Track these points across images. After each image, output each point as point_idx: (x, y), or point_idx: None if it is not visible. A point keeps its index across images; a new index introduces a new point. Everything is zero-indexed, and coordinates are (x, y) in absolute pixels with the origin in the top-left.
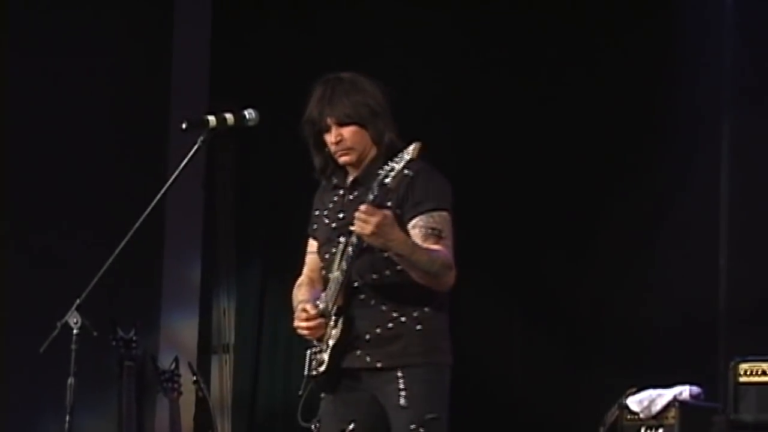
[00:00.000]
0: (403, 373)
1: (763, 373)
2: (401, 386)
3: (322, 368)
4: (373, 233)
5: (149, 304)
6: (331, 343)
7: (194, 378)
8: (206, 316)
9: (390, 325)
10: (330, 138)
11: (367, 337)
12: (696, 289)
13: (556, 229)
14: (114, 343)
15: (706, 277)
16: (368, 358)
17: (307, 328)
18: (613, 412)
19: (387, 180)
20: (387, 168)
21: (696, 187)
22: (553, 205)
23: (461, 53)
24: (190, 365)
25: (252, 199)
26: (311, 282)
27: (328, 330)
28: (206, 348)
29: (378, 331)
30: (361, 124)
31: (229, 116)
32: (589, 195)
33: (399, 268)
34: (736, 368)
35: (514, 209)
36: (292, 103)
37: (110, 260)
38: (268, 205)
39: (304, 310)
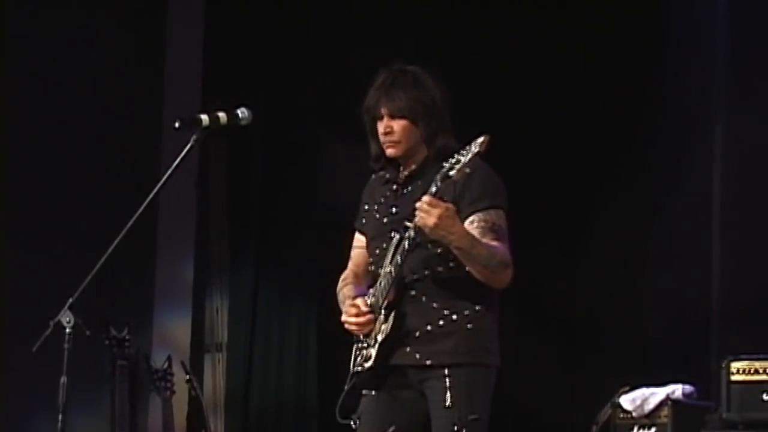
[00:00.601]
0: (450, 371)
1: (756, 371)
2: (447, 384)
3: (369, 363)
4: (435, 225)
5: (142, 303)
6: (380, 338)
7: (187, 377)
8: (199, 315)
9: (441, 322)
10: (381, 128)
11: (417, 334)
12: (689, 288)
13: (547, 229)
14: (107, 342)
15: (699, 276)
16: (417, 355)
17: (357, 324)
18: (606, 411)
19: (452, 172)
20: (452, 160)
21: (688, 187)
22: (544, 205)
23: (455, 55)
24: (183, 364)
25: (245, 198)
26: (356, 278)
27: (377, 325)
28: (199, 347)
29: (428, 328)
30: (413, 120)
31: (222, 115)
32: (581, 195)
33: (452, 265)
34: (728, 367)
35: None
36: (285, 102)
37: (103, 259)
38: (260, 204)
39: (355, 305)
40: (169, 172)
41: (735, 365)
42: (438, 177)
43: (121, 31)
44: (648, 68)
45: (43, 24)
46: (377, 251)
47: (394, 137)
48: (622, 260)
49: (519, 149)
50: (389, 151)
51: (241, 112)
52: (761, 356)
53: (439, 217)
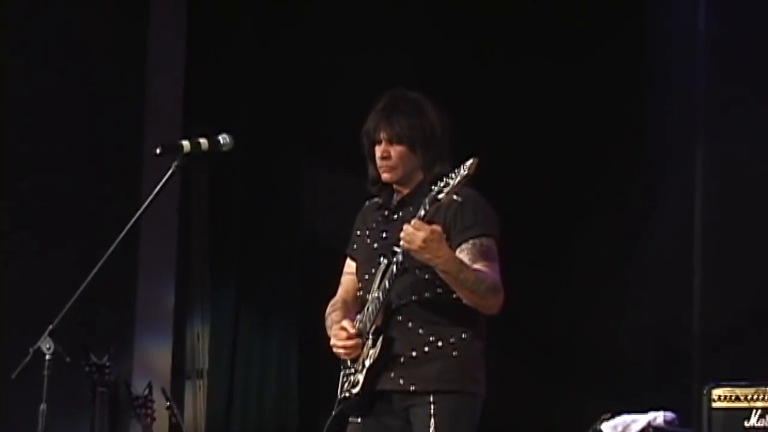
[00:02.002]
0: (435, 398)
1: (737, 398)
2: (432, 412)
3: (357, 389)
4: (420, 248)
5: (123, 328)
6: (367, 363)
7: (168, 404)
8: (180, 341)
9: (426, 348)
10: (378, 152)
11: (402, 359)
12: (670, 313)
13: (527, 253)
14: (87, 368)
15: (680, 300)
16: (402, 381)
17: (345, 347)
18: None
19: (440, 195)
20: (441, 183)
21: (669, 211)
22: (524, 229)
23: (439, 67)
24: (163, 390)
25: (226, 224)
26: (345, 304)
27: (365, 350)
28: (180, 373)
29: (413, 353)
30: (411, 147)
31: (203, 141)
32: (560, 218)
33: (439, 291)
34: (710, 394)
35: None
36: (267, 127)
37: (84, 285)
38: (242, 229)
39: (343, 328)
40: (150, 197)
41: (716, 392)
42: (427, 200)
43: (100, 56)
44: (628, 92)
45: (21, 46)
46: (366, 276)
47: (391, 162)
48: (603, 285)
49: (498, 173)
50: (384, 176)
51: (222, 138)
52: (743, 383)
53: (424, 240)
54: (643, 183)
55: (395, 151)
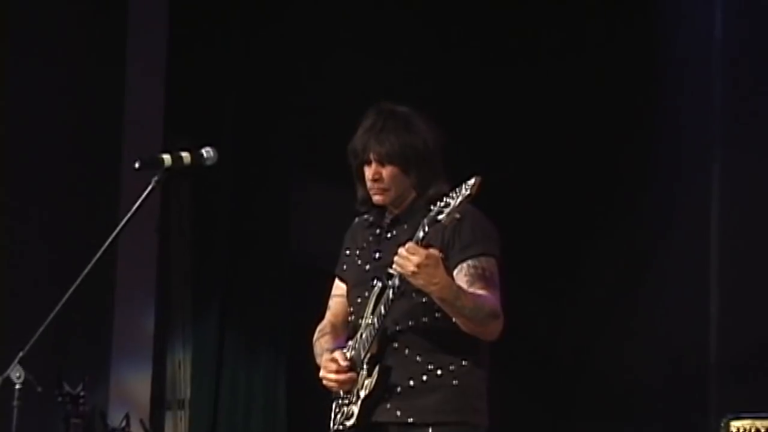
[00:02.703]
0: (434, 430)
1: (758, 431)
2: None
3: (351, 422)
4: (414, 273)
5: (98, 355)
6: (362, 395)
7: None
8: (160, 369)
9: (424, 377)
10: (368, 173)
11: (399, 389)
12: (684, 338)
13: (531, 274)
14: (60, 398)
15: (696, 326)
16: (399, 413)
17: (336, 381)
18: None
19: (441, 216)
20: (441, 204)
21: (683, 228)
22: (529, 250)
23: (433, 74)
24: (142, 422)
25: (210, 244)
26: (335, 328)
27: (360, 380)
28: (160, 403)
29: (411, 383)
30: (403, 167)
31: (185, 155)
32: (568, 239)
33: (437, 315)
34: (727, 426)
35: None
36: (253, 140)
37: (57, 309)
38: (227, 249)
39: (334, 359)
40: (128, 215)
41: (736, 424)
42: (425, 221)
43: (75, 64)
44: (639, 102)
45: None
46: (358, 300)
47: (383, 185)
48: (612, 308)
49: (499, 188)
50: (376, 198)
51: (206, 152)
52: (763, 414)
53: (419, 265)
54: (656, 199)
55: (387, 172)
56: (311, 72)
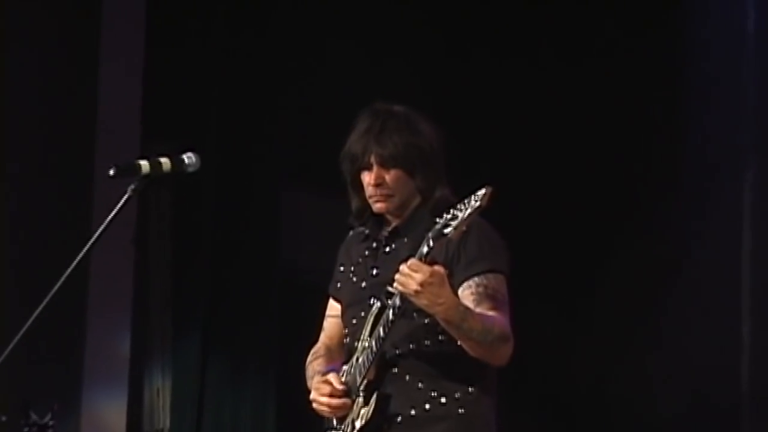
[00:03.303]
0: None
1: None
2: None
3: None
4: (417, 292)
5: (69, 381)
6: (358, 425)
7: None
8: (136, 396)
9: (427, 406)
10: (369, 179)
11: (399, 419)
12: (713, 366)
13: (544, 293)
14: (26, 428)
15: (726, 351)
16: None
17: (329, 406)
18: None
19: (447, 230)
20: (448, 216)
21: (714, 243)
22: (541, 267)
23: (437, 76)
24: None
25: (191, 258)
26: (329, 352)
27: (355, 409)
28: None
29: (412, 412)
30: (407, 170)
31: (165, 161)
32: (584, 254)
33: (441, 338)
34: None
35: None
36: (239, 146)
37: (23, 330)
38: (210, 265)
39: (327, 381)
40: (102, 227)
41: None
42: (430, 235)
43: (44, 62)
44: (667, 109)
45: None
46: (354, 321)
47: (387, 190)
48: (634, 331)
49: (509, 198)
50: (378, 206)
51: (188, 158)
52: None
53: (422, 284)
54: (682, 210)
55: (390, 176)
56: (302, 70)
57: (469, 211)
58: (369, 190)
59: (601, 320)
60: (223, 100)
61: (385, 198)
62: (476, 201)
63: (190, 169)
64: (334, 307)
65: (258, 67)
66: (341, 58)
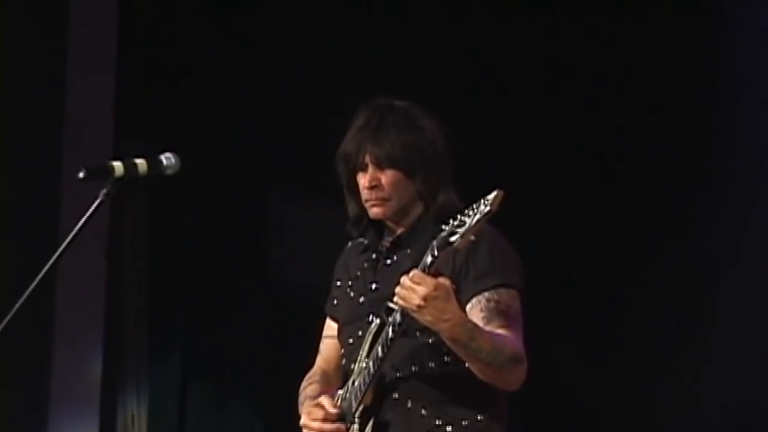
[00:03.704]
0: None
1: None
2: None
3: None
4: (420, 307)
5: (34, 408)
6: None
7: None
8: (109, 424)
9: None
10: (363, 181)
11: None
12: (757, 395)
13: (563, 308)
14: None
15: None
16: None
17: (322, 431)
18: None
19: (453, 238)
20: (454, 223)
21: (753, 259)
22: (562, 283)
23: (444, 68)
24: None
25: (170, 270)
26: (326, 377)
27: None
28: None
29: None
30: (407, 171)
31: (141, 162)
32: (612, 269)
33: (447, 359)
34: None
35: None
36: (220, 144)
37: None
38: (190, 277)
39: (320, 405)
40: (70, 236)
41: None
42: (435, 244)
43: (6, 52)
44: (712, 108)
45: None
46: (351, 340)
47: (383, 193)
48: (667, 358)
49: (525, 204)
50: (374, 211)
51: (166, 159)
52: None
53: (426, 298)
54: (723, 222)
55: (387, 177)
56: (293, 62)
57: (477, 217)
58: (364, 194)
59: (628, 343)
60: (204, 95)
61: (381, 202)
62: (486, 206)
63: (169, 172)
64: (330, 327)
65: (240, 59)
66: (336, 50)
